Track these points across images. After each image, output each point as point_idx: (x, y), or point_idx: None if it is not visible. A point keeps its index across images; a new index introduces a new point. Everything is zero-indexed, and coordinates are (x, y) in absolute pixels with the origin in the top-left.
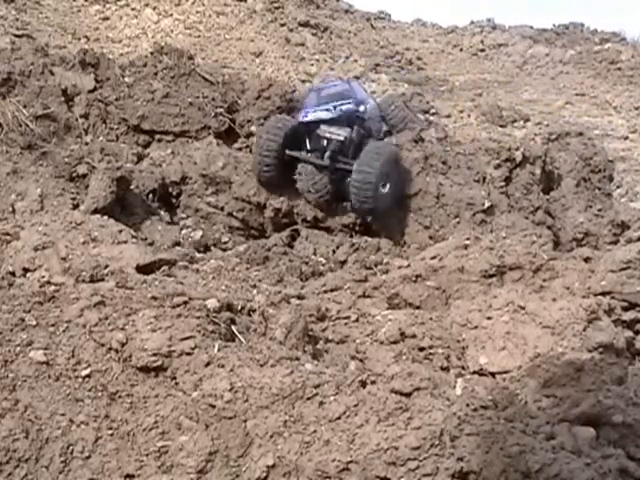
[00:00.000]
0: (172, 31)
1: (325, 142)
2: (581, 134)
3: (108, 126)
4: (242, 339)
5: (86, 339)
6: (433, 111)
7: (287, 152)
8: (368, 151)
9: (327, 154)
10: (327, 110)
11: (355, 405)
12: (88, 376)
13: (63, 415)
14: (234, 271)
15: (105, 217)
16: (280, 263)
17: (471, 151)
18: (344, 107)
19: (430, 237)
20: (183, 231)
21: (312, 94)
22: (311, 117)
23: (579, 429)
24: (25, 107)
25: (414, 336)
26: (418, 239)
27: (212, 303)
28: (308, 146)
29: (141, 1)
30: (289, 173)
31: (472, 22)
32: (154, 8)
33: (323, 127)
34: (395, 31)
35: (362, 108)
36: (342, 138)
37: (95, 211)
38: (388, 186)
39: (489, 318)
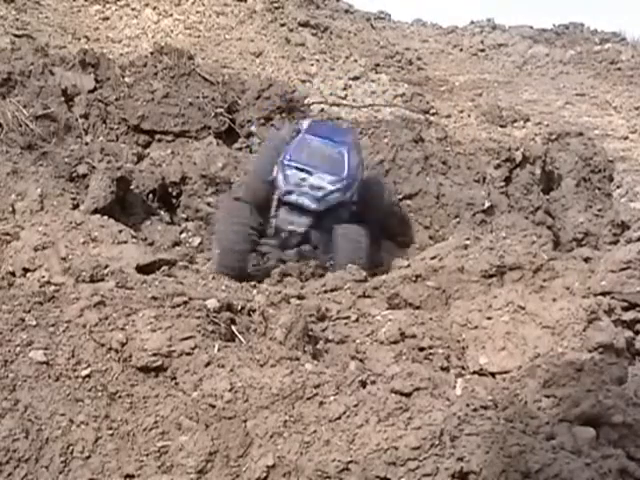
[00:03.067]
0: (172, 31)
1: (285, 233)
2: (581, 134)
3: (108, 126)
4: (242, 339)
5: (86, 339)
6: (433, 111)
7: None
8: (346, 237)
9: (292, 252)
10: (316, 199)
11: (355, 405)
12: (88, 376)
13: (63, 415)
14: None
15: (105, 217)
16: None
17: (471, 151)
18: (331, 198)
19: (430, 237)
20: (183, 234)
21: (301, 143)
22: (293, 200)
23: (579, 429)
24: (25, 107)
25: (414, 336)
26: (418, 239)
27: (212, 303)
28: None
29: (141, 1)
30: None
31: (472, 22)
32: (154, 8)
33: (282, 214)
34: (395, 31)
35: (348, 195)
36: (302, 230)
37: (95, 211)
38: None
39: (489, 318)
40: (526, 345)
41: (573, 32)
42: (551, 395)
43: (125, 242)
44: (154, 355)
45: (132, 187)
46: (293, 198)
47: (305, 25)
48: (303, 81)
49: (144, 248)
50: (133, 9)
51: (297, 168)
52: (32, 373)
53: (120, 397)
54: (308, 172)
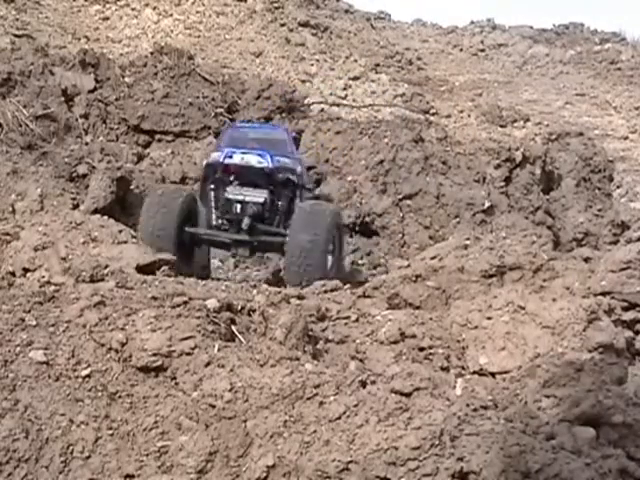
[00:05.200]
0: (172, 31)
1: (238, 208)
2: (581, 134)
3: (108, 126)
4: (242, 339)
5: (86, 339)
6: (433, 111)
7: (187, 229)
8: (307, 213)
9: (245, 222)
10: (260, 156)
11: (355, 405)
12: (88, 376)
13: (63, 415)
14: (234, 271)
15: (105, 217)
16: (280, 263)
17: (471, 151)
18: (282, 160)
19: (430, 237)
20: None
21: (235, 132)
22: (237, 160)
23: (579, 429)
24: (25, 107)
25: (414, 336)
26: (418, 239)
27: (212, 303)
28: (214, 218)
29: (141, 1)
30: (191, 256)
31: (472, 22)
32: (154, 8)
33: (232, 189)
34: (395, 31)
35: (299, 169)
36: (261, 200)
37: (95, 211)
38: (331, 257)
39: (489, 318)
40: (526, 345)
41: (573, 32)
42: (551, 395)
43: (125, 242)
44: (154, 355)
45: (132, 187)
46: (237, 157)
47: (305, 25)
48: (303, 81)
49: (144, 248)
50: (133, 9)
51: (236, 147)
52: (32, 373)
53: (120, 397)
54: (250, 149)
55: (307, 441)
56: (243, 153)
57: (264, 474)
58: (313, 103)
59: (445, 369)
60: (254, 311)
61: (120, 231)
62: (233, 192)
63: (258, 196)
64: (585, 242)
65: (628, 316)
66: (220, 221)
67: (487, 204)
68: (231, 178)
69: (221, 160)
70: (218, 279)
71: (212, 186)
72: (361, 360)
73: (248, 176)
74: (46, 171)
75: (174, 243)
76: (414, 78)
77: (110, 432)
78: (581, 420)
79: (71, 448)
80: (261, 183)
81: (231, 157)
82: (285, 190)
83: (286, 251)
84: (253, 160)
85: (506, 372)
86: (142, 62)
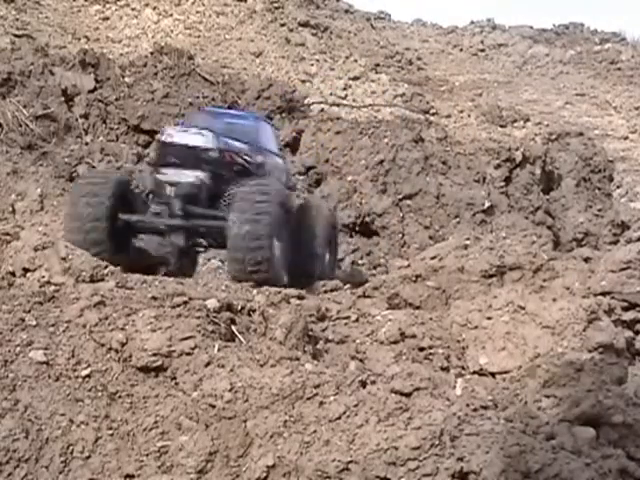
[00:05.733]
0: (172, 31)
1: (170, 190)
2: (581, 134)
3: (108, 126)
4: (242, 339)
5: (86, 339)
6: (433, 111)
7: (121, 216)
8: (248, 192)
9: (177, 205)
10: (202, 135)
11: (355, 405)
12: (88, 376)
13: (63, 415)
14: None
15: None
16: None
17: (471, 151)
18: (232, 143)
19: (430, 237)
20: None
21: (204, 116)
22: (177, 138)
23: (579, 429)
24: (25, 107)
25: (414, 336)
26: (418, 239)
27: (212, 303)
28: (151, 204)
29: (141, 1)
30: (128, 247)
31: (472, 22)
32: (154, 8)
33: (167, 170)
34: (395, 31)
35: (260, 159)
36: (194, 180)
37: None
38: (278, 243)
39: (489, 318)
40: (526, 345)
41: (573, 32)
42: (551, 395)
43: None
44: (154, 355)
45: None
46: (177, 136)
47: (305, 25)
48: (303, 81)
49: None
50: (133, 9)
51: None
52: (32, 373)
53: (120, 397)
54: (195, 129)
55: (307, 441)
56: (184, 132)
57: (264, 474)
58: (313, 103)
59: (445, 369)
60: (254, 311)
61: None
62: (167, 173)
63: (191, 176)
64: (585, 242)
65: (628, 316)
66: (155, 206)
67: (487, 204)
68: (168, 158)
69: (162, 139)
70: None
71: (152, 168)
72: (361, 360)
73: (186, 156)
74: (46, 171)
75: (107, 233)
76: (414, 78)
77: (110, 432)
78: (581, 420)
79: (71, 448)
80: (201, 164)
81: (171, 135)
82: (236, 177)
83: (227, 241)
84: (194, 139)
85: (506, 372)
86: (142, 62)
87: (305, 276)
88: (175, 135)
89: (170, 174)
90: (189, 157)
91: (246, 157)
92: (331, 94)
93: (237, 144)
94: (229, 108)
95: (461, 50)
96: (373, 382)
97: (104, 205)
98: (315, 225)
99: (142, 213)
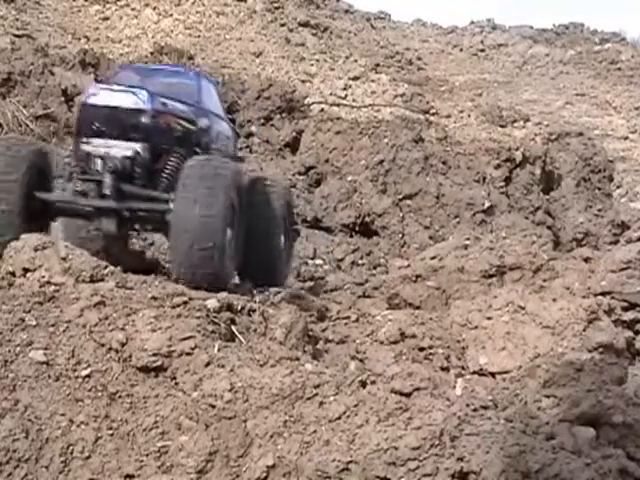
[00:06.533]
0: (172, 31)
1: (99, 164)
2: (581, 134)
3: None
4: (242, 339)
5: (86, 339)
6: (433, 111)
7: (38, 195)
8: (197, 168)
9: (106, 183)
10: (135, 94)
11: (355, 405)
12: (88, 376)
13: (63, 415)
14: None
15: None
16: None
17: (471, 151)
18: (172, 104)
19: (430, 237)
20: None
21: (131, 73)
22: (103, 99)
23: (579, 429)
24: (25, 107)
25: (414, 336)
26: (418, 239)
27: (212, 303)
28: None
29: (141, 1)
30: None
31: (472, 22)
32: (154, 8)
33: (94, 140)
34: (395, 31)
35: (203, 123)
36: (128, 153)
37: None
38: (230, 231)
39: (489, 318)
40: (526, 345)
41: (573, 32)
42: (551, 395)
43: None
44: (154, 355)
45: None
46: (103, 96)
47: (305, 25)
48: (303, 81)
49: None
50: (133, 9)
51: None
52: (32, 373)
53: (120, 397)
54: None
55: (307, 441)
56: (112, 91)
57: (264, 474)
58: (313, 103)
59: (445, 369)
60: (254, 311)
61: None
62: (94, 144)
63: (125, 148)
64: (585, 242)
65: (628, 316)
66: (80, 184)
67: (487, 204)
68: (94, 125)
69: (84, 100)
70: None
71: (77, 138)
72: (361, 360)
73: (116, 121)
74: None
75: (20, 214)
76: (414, 78)
77: (110, 432)
78: (581, 420)
79: (71, 448)
80: (134, 132)
81: (95, 95)
82: (177, 146)
83: (170, 228)
84: (125, 100)
85: (506, 372)
86: (142, 62)
87: (258, 273)
88: (100, 95)
89: (97, 145)
90: (118, 122)
91: (188, 121)
92: (331, 94)
93: (177, 105)
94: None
95: (461, 50)
96: (373, 382)
97: (17, 181)
98: (269, 207)
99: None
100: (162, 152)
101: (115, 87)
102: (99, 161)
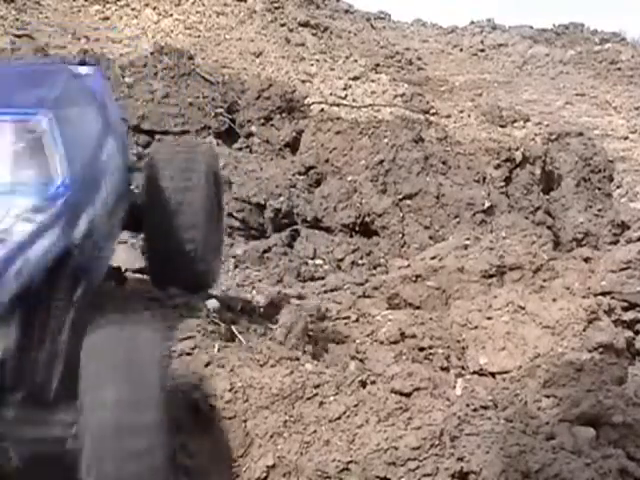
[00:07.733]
0: (172, 31)
1: None
2: (581, 134)
3: None
4: (242, 339)
5: None
6: (433, 111)
7: None
8: (106, 360)
9: None
10: None
11: (355, 405)
12: None
13: None
14: (234, 271)
15: None
16: (280, 263)
17: (471, 151)
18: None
19: (430, 237)
20: None
21: None
22: None
23: (579, 429)
24: None
25: (414, 336)
26: (418, 239)
27: (212, 303)
28: None
29: (141, 1)
30: None
31: (472, 22)
32: (154, 8)
33: None
34: (395, 31)
35: (78, 233)
36: None
37: None
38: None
39: (489, 318)
40: (526, 345)
41: (573, 32)
42: (551, 395)
43: (125, 242)
44: None
45: (132, 187)
46: None
47: (305, 25)
48: (303, 81)
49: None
50: (133, 9)
51: None
52: None
53: None
54: None
55: (307, 441)
56: None
57: (264, 474)
58: (313, 103)
59: (445, 369)
60: (254, 311)
61: None
62: None
63: None
64: (585, 242)
65: (628, 316)
66: None
67: (487, 204)
68: None
69: None
70: None
71: None
72: (361, 360)
73: None
74: None
75: None
76: (414, 78)
77: None
78: (581, 420)
79: None
80: None
81: None
82: (47, 299)
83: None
84: None
85: (506, 372)
86: (142, 62)
87: (174, 275)
88: None
89: None
90: None
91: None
92: (331, 94)
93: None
94: None
95: (461, 50)
96: (373, 382)
97: None
98: (183, 184)
99: None
100: (32, 324)
101: None
102: None
